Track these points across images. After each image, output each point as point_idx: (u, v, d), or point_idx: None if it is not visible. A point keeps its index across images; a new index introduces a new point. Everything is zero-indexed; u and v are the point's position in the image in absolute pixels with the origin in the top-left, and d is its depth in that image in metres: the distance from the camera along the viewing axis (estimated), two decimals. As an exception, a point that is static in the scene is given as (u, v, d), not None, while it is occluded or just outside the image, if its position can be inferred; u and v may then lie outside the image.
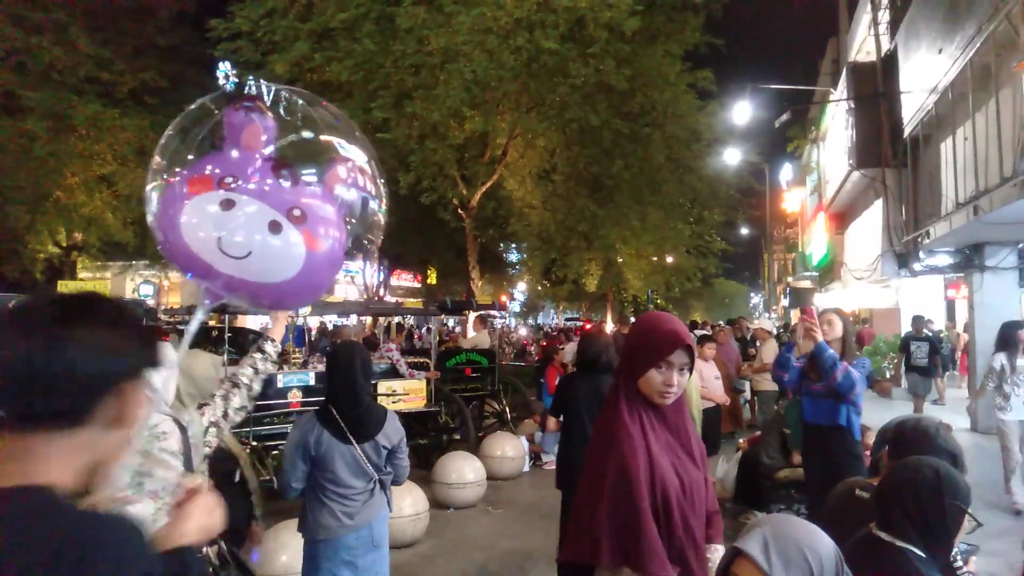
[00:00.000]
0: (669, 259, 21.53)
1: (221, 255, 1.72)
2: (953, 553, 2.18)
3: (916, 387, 11.10)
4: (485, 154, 13.87)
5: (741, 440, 7.52)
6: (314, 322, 17.47)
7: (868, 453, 4.47)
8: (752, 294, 66.49)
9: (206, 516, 1.39)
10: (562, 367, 9.08)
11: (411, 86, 11.06)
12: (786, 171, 34.12)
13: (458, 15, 10.27)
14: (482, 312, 11.90)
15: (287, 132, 1.82)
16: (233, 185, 1.75)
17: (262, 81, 2.23)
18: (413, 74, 11.03)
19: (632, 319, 18.13)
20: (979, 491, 6.18)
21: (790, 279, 34.56)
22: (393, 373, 8.85)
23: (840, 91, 16.53)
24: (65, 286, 9.30)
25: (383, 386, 8.45)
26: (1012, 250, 10.88)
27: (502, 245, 23.22)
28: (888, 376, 15.70)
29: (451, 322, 18.86)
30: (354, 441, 3.33)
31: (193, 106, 1.90)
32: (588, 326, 23.77)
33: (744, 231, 34.83)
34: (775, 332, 12.45)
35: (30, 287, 13.64)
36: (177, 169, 1.84)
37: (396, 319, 21.73)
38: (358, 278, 24.41)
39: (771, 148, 29.15)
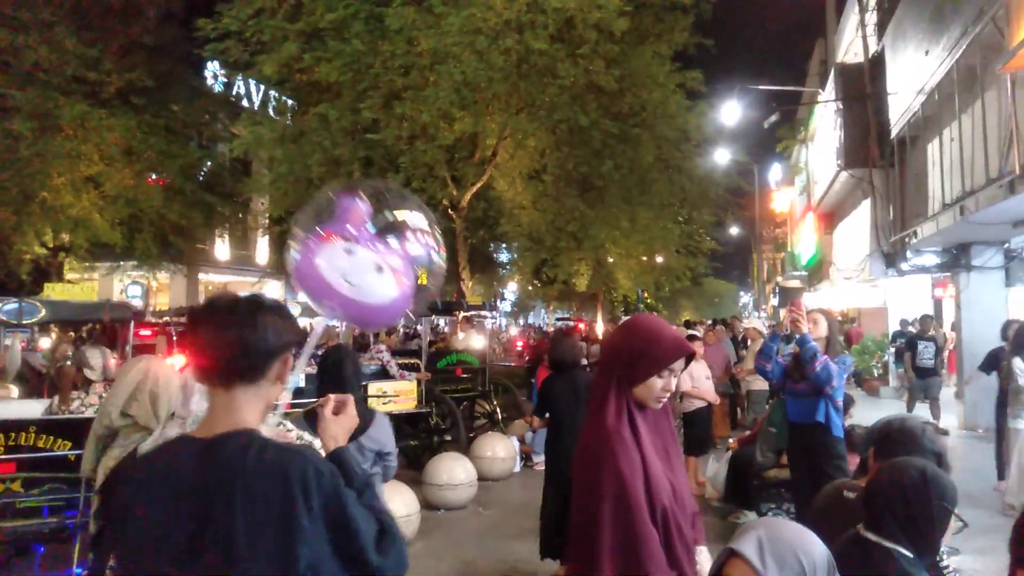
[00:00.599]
0: (659, 259, 21.59)
1: (344, 283, 2.44)
2: (940, 553, 2.20)
3: (928, 389, 10.76)
4: (475, 155, 13.86)
5: (731, 440, 7.55)
6: (313, 325, 17.35)
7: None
8: (741, 293, 66.77)
9: (349, 421, 1.91)
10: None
11: (401, 87, 11.04)
12: (775, 171, 34.28)
13: (448, 16, 10.26)
14: (471, 314, 11.90)
15: (378, 211, 2.66)
16: (352, 241, 2.50)
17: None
18: (403, 75, 11.02)
19: (621, 319, 18.13)
20: (965, 488, 6.24)
21: (779, 278, 34.72)
22: (384, 374, 8.84)
23: (828, 92, 16.63)
24: (52, 288, 9.22)
25: (374, 387, 8.44)
26: (998, 250, 10.97)
27: (492, 245, 23.22)
28: (876, 375, 15.82)
29: (441, 322, 18.81)
30: None
31: (319, 195, 2.69)
32: (581, 325, 23.83)
33: (733, 231, 34.99)
34: (766, 332, 12.52)
35: (16, 288, 13.52)
36: (310, 227, 2.55)
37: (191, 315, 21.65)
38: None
39: (760, 148, 29.33)
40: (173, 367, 3.05)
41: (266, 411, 1.64)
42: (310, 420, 3.32)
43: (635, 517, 1.81)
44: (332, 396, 1.96)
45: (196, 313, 1.64)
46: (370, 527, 1.53)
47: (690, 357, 2.08)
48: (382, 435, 3.55)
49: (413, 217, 2.86)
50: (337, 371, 3.47)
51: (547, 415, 5.23)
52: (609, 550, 1.79)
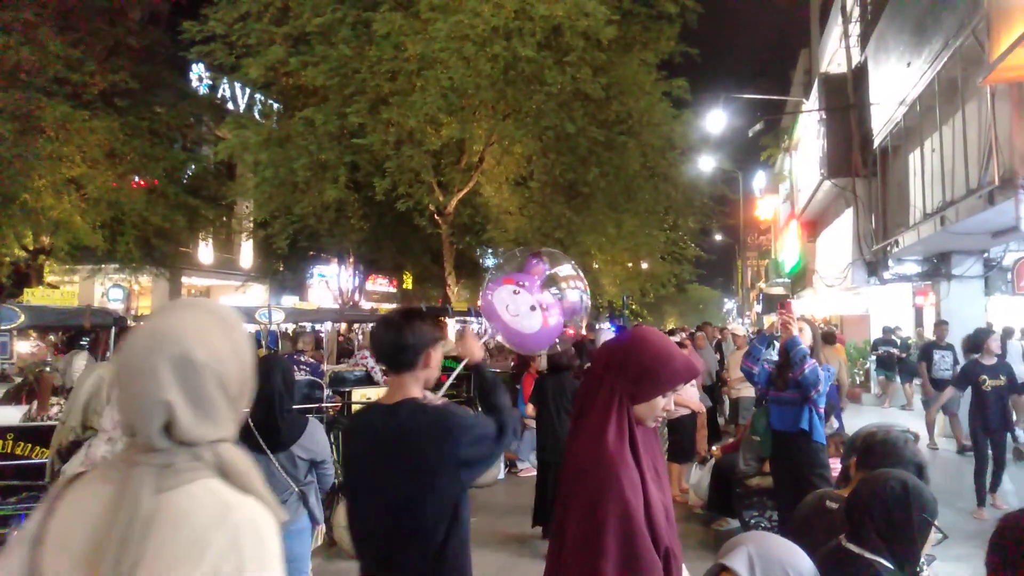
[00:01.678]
0: (644, 265, 21.67)
1: (507, 313, 3.57)
2: (920, 565, 2.22)
3: (947, 402, 9.40)
4: (462, 161, 13.86)
5: (714, 448, 7.58)
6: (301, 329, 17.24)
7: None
8: (725, 300, 67.13)
9: (476, 339, 2.84)
10: (537, 373, 9.10)
11: (387, 92, 11.03)
12: (759, 179, 34.55)
13: (435, 22, 10.26)
14: (457, 319, 11.88)
15: (553, 268, 3.84)
16: (521, 287, 3.64)
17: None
18: (389, 80, 11.00)
19: (611, 327, 18.17)
20: (944, 497, 6.30)
21: (763, 285, 34.95)
22: (368, 380, 8.80)
23: (812, 101, 16.80)
24: (32, 293, 9.10)
25: (357, 394, 8.39)
26: (977, 259, 11.12)
27: (479, 251, 23.21)
28: (858, 382, 15.95)
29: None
30: (268, 451, 3.37)
31: (509, 254, 4.00)
32: (571, 331, 23.80)
33: (718, 238, 35.19)
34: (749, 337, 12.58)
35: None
36: (499, 274, 3.85)
37: (371, 326, 21.61)
38: (332, 283, 24.24)
39: (745, 156, 29.57)
40: None
41: (425, 387, 2.42)
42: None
43: (639, 544, 1.75)
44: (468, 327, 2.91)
45: (375, 324, 2.55)
46: (488, 429, 2.39)
47: None
48: (315, 444, 3.57)
49: (565, 269, 4.12)
50: (264, 379, 3.48)
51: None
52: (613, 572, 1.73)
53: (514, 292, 3.96)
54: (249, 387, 1.33)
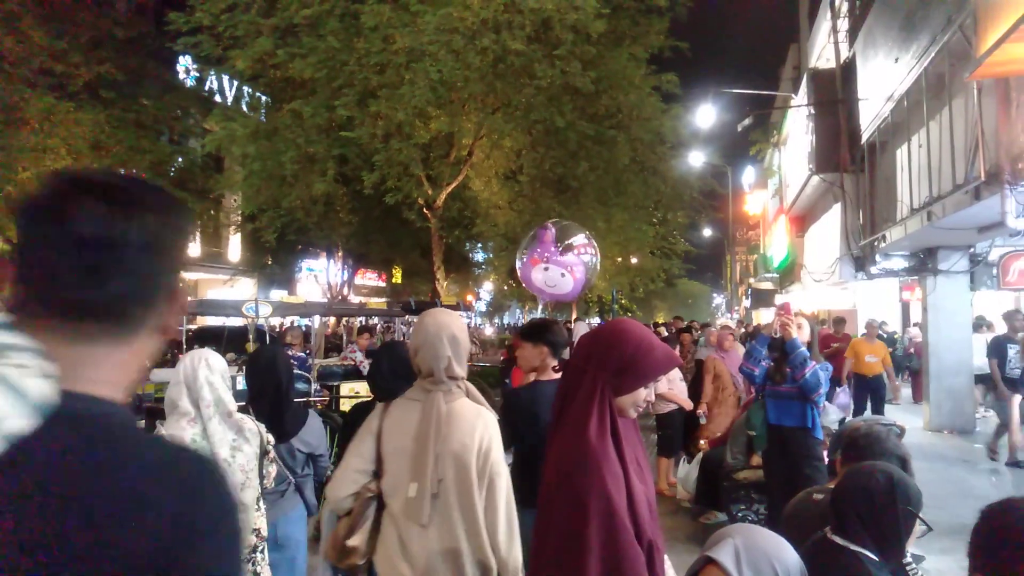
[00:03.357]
0: (634, 260, 21.72)
1: (547, 288, 5.52)
2: (907, 559, 2.24)
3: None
4: (451, 154, 13.82)
5: (702, 441, 7.61)
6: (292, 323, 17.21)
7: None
8: (715, 295, 67.43)
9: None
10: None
11: (376, 85, 10.95)
12: (748, 174, 34.68)
13: (424, 14, 10.20)
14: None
15: (560, 239, 5.22)
16: (547, 262, 5.29)
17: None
18: (378, 73, 10.92)
19: (591, 321, 18.18)
20: (931, 489, 6.33)
21: (752, 280, 35.10)
22: (356, 374, 8.77)
23: (801, 97, 16.85)
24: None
25: (346, 388, 8.38)
26: (964, 254, 11.20)
27: (468, 245, 23.17)
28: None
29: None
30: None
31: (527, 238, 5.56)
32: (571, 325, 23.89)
33: (707, 233, 35.31)
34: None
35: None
36: (525, 253, 5.65)
37: (360, 319, 21.56)
38: (321, 277, 24.14)
39: (734, 151, 29.70)
40: None
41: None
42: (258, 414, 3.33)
43: (621, 538, 1.75)
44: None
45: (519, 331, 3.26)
46: None
47: None
48: (314, 437, 3.58)
49: (579, 238, 5.32)
50: (268, 371, 3.48)
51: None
52: (596, 572, 1.73)
53: (544, 270, 5.50)
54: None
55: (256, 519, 2.71)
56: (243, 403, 3.41)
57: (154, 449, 0.92)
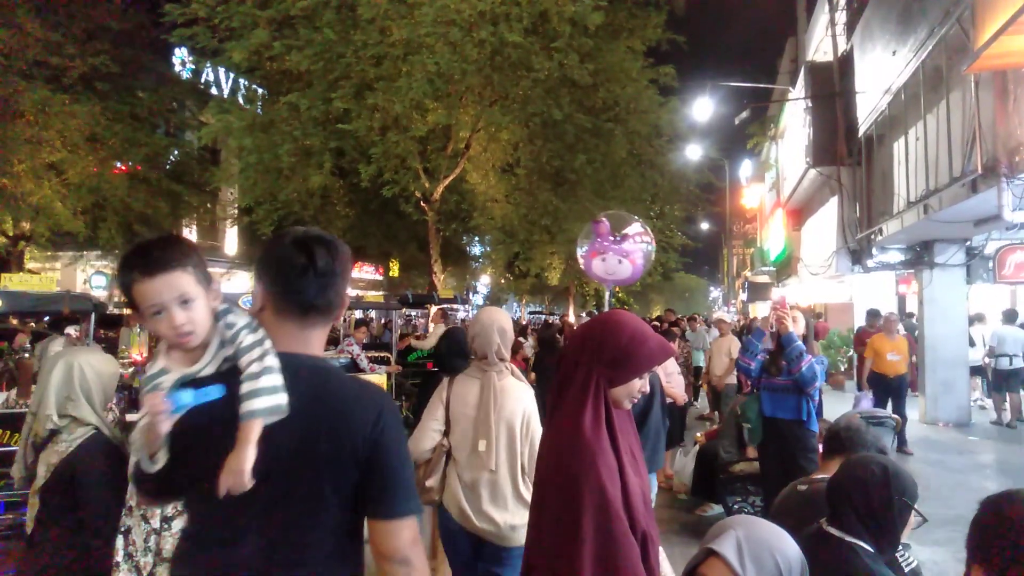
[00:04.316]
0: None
1: (609, 276, 6.33)
2: (900, 549, 2.25)
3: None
4: (448, 147, 13.80)
5: (698, 434, 7.64)
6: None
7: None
8: (711, 288, 67.49)
9: None
10: (524, 361, 9.11)
11: (373, 77, 10.93)
12: (746, 167, 34.67)
13: (421, 6, 10.18)
14: (444, 306, 11.86)
15: (615, 230, 6.13)
16: (604, 252, 6.17)
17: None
18: (375, 65, 10.90)
19: (586, 315, 18.21)
20: (926, 481, 6.35)
21: (748, 273, 35.12)
22: (354, 368, 8.77)
23: (798, 90, 16.83)
24: (10, 279, 8.94)
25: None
26: (960, 247, 11.20)
27: (465, 238, 23.17)
28: (843, 369, 16.10)
29: (413, 315, 18.73)
30: None
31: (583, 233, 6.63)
32: (572, 319, 23.94)
33: (704, 226, 35.34)
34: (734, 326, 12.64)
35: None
36: (586, 245, 6.43)
37: (357, 312, 21.54)
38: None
39: (731, 144, 29.66)
40: (97, 352, 2.91)
41: None
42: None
43: (616, 530, 1.76)
44: None
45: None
46: None
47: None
48: None
49: (634, 227, 6.06)
50: None
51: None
52: (591, 565, 1.74)
53: (602, 260, 6.23)
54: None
55: None
56: None
57: (354, 379, 1.77)
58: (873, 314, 11.16)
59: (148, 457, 1.56)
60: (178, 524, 2.43)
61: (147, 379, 1.58)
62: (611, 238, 6.36)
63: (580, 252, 6.85)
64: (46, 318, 10.00)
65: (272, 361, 1.57)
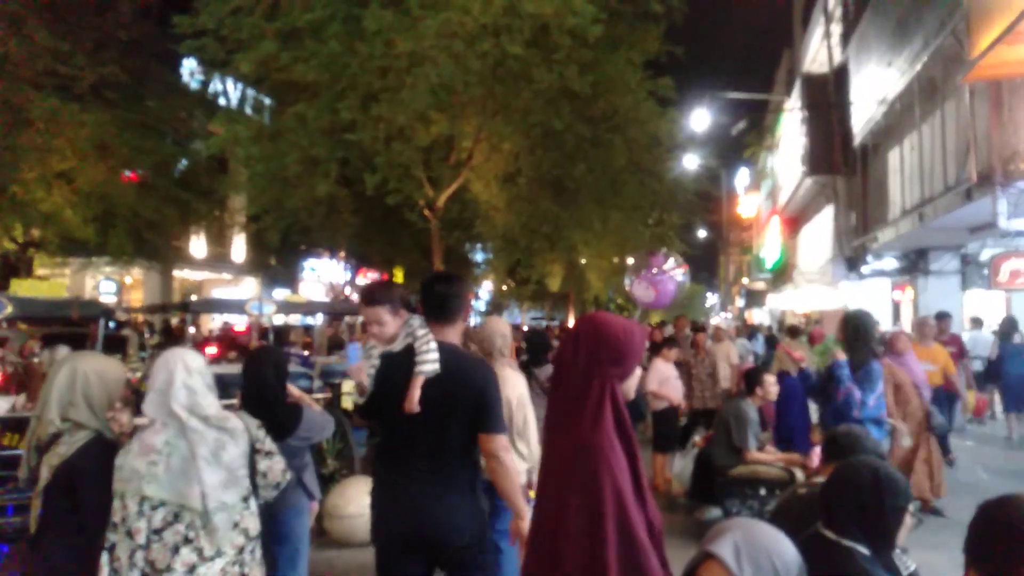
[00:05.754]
0: (629, 260, 21.81)
1: (644, 298, 9.25)
2: (899, 552, 2.29)
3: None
4: (451, 157, 13.94)
5: (697, 437, 7.74)
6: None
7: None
8: (709, 294, 67.54)
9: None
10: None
11: (378, 88, 11.08)
12: (742, 176, 34.85)
13: (425, 19, 10.33)
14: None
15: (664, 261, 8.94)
16: (651, 279, 9.11)
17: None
18: (380, 76, 11.05)
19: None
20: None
21: (745, 281, 35.26)
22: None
23: (794, 100, 17.02)
24: (20, 285, 9.06)
25: (348, 385, 8.51)
26: (954, 255, 11.35)
27: (467, 245, 23.28)
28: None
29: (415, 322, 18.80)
30: None
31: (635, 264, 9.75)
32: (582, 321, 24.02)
33: (702, 234, 35.46)
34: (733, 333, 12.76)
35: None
36: (636, 274, 9.40)
37: (361, 319, 21.63)
38: (324, 276, 24.20)
39: (728, 154, 29.74)
40: (102, 358, 2.99)
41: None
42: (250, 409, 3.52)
43: (636, 534, 1.82)
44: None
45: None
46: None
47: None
48: (311, 431, 3.70)
49: (672, 262, 9.12)
50: (258, 373, 3.59)
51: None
52: (615, 567, 1.79)
53: (647, 286, 8.92)
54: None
55: (244, 518, 2.56)
56: (231, 400, 3.49)
57: (470, 355, 3.28)
58: (942, 316, 9.54)
59: (359, 395, 2.97)
60: (169, 535, 2.40)
61: (366, 350, 3.00)
62: (656, 271, 9.28)
63: (627, 281, 9.81)
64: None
65: (432, 344, 2.88)
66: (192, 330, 19.64)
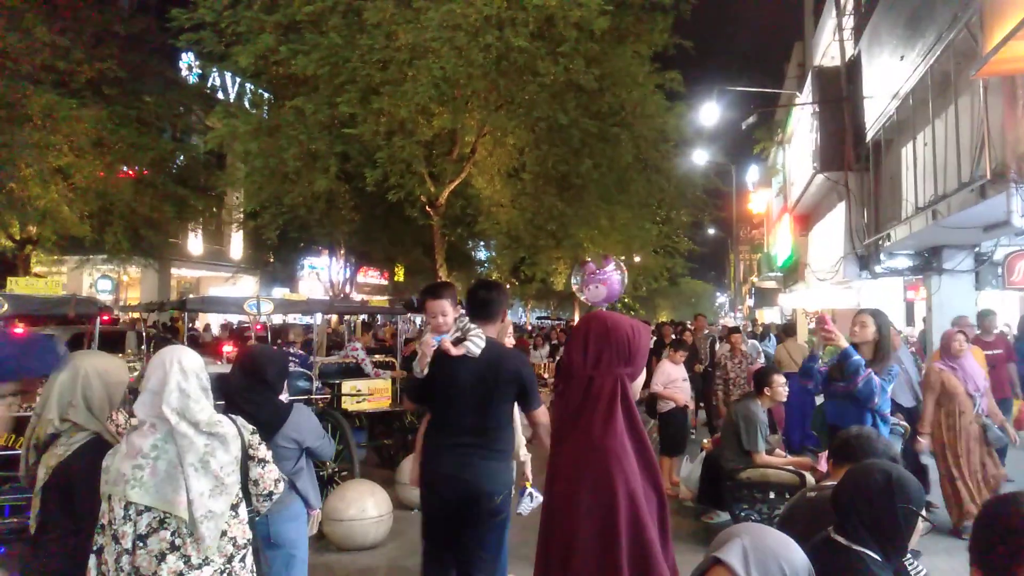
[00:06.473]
0: (637, 259, 21.63)
1: (596, 297, 12.17)
2: (910, 557, 2.23)
3: None
4: (453, 152, 13.78)
5: (705, 441, 7.59)
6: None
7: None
8: (718, 293, 67.36)
9: None
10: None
11: (379, 82, 10.92)
12: (752, 172, 34.60)
13: (427, 11, 10.17)
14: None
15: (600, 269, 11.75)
16: (598, 278, 12.17)
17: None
18: (381, 69, 10.89)
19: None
20: (934, 490, 6.27)
21: (755, 279, 35.03)
22: (358, 372, 8.76)
23: (805, 95, 16.78)
24: (16, 282, 8.92)
25: (347, 386, 8.36)
26: (969, 253, 11.13)
27: (470, 243, 23.14)
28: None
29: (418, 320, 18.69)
30: None
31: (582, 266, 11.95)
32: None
33: (711, 231, 35.29)
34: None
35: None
36: (582, 277, 12.35)
37: (362, 317, 21.53)
38: (323, 274, 24.10)
39: (738, 150, 29.61)
40: (105, 357, 2.91)
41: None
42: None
43: (648, 536, 1.85)
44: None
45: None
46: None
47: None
48: (301, 431, 3.58)
49: (614, 264, 12.44)
50: (259, 373, 3.51)
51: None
52: (627, 570, 1.83)
53: (592, 287, 11.70)
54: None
55: (232, 526, 2.49)
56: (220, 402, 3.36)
57: (505, 346, 3.93)
58: (985, 314, 9.19)
59: (420, 370, 3.49)
60: (153, 542, 2.34)
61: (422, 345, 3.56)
62: (598, 276, 11.80)
63: (574, 283, 11.75)
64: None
65: (480, 333, 3.55)
66: (200, 328, 19.57)
